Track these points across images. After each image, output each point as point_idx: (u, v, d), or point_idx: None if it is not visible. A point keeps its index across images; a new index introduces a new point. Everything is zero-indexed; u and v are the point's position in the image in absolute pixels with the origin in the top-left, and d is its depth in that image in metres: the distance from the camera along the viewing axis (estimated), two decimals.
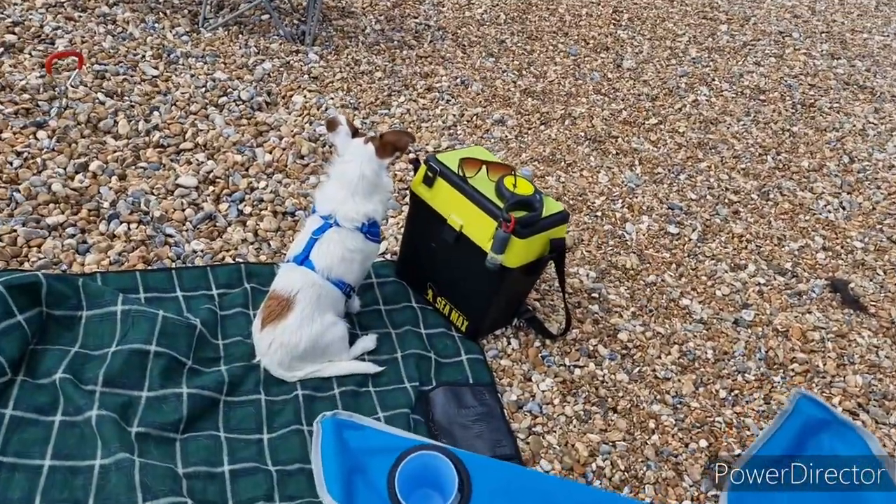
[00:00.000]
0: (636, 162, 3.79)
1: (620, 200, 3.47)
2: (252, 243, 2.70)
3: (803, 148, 4.23)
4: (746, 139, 4.21)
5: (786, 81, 4.98)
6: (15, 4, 3.53)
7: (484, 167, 2.39)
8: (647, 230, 3.31)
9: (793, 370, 2.70)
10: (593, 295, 2.86)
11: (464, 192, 2.35)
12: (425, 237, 2.51)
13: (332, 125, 2.25)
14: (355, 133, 2.27)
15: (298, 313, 2.15)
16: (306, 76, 3.79)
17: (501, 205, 2.28)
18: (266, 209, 2.85)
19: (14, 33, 3.34)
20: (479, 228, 2.32)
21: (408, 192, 3.14)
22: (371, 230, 2.28)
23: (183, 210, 2.73)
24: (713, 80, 4.82)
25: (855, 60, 5.55)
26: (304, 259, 2.21)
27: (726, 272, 3.14)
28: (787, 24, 5.99)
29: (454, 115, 3.80)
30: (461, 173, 2.36)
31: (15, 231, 2.40)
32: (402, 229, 2.91)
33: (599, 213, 3.35)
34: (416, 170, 2.51)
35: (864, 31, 6.15)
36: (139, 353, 2.05)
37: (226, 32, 3.94)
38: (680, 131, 4.15)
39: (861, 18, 6.47)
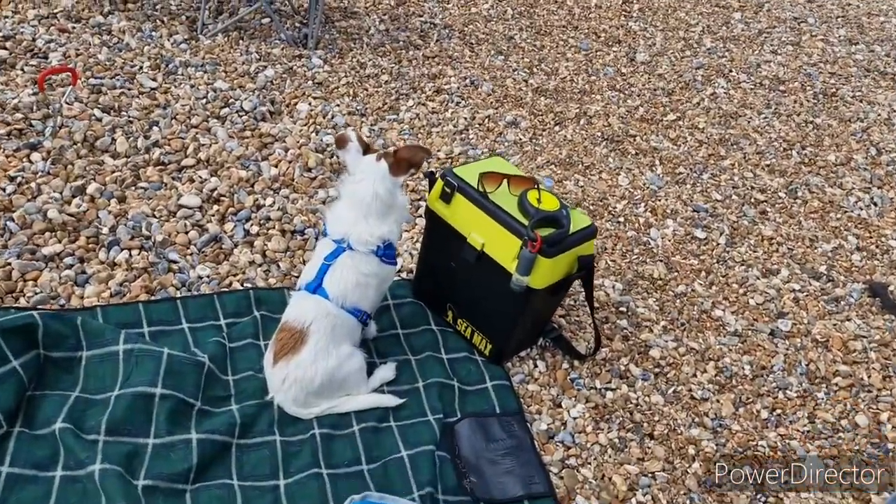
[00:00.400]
0: (657, 162, 3.63)
1: (643, 204, 3.31)
2: (260, 265, 2.56)
3: (828, 140, 4.06)
4: (769, 133, 4.04)
5: (805, 70, 4.80)
6: (5, 17, 3.38)
7: (505, 181, 2.23)
8: (672, 235, 3.15)
9: (836, 385, 2.55)
10: (621, 309, 2.71)
11: (484, 209, 2.20)
12: (444, 256, 2.36)
13: (341, 142, 2.10)
14: (367, 149, 2.12)
15: (313, 346, 2.00)
16: (310, 82, 3.64)
17: (525, 222, 2.13)
18: (274, 228, 2.70)
19: (5, 48, 3.20)
20: (502, 247, 2.17)
21: (421, 201, 3.00)
22: (387, 252, 2.13)
23: (186, 232, 2.59)
24: (730, 71, 4.65)
25: (874, 45, 5.37)
26: (316, 287, 2.06)
27: (758, 278, 2.98)
28: (802, 9, 5.81)
29: (465, 119, 3.65)
30: (481, 188, 2.21)
31: (9, 264, 2.26)
32: (417, 244, 2.77)
33: (622, 219, 3.20)
34: (431, 184, 2.36)
35: (880, 14, 5.96)
36: (144, 396, 1.91)
37: (225, 38, 3.79)
38: (700, 127, 3.99)
39: (876, 1, 6.27)
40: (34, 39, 3.30)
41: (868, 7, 6.05)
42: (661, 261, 2.99)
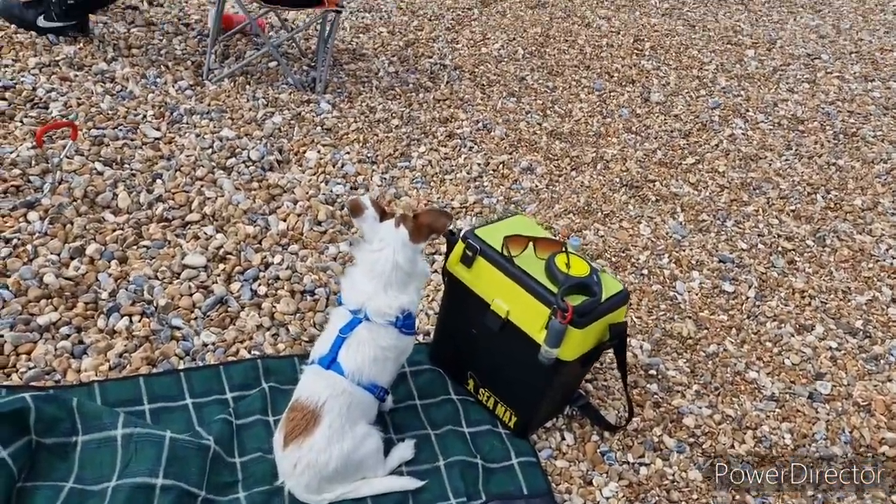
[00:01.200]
0: (678, 209, 3.49)
1: (666, 255, 3.17)
2: (269, 329, 2.42)
3: (853, 183, 3.94)
4: (792, 176, 3.91)
5: (823, 109, 4.69)
6: (5, 66, 3.27)
7: (531, 244, 2.10)
8: (699, 289, 3.01)
9: (884, 454, 2.39)
10: (650, 372, 2.56)
11: (510, 275, 2.05)
12: (464, 322, 2.21)
13: (356, 210, 1.96)
14: (383, 215, 1.98)
15: (326, 428, 1.85)
16: (319, 128, 3.52)
17: (554, 288, 1.99)
18: (283, 288, 2.56)
19: (4, 99, 3.08)
20: (528, 316, 2.02)
21: (437, 255, 2.86)
22: (406, 323, 1.98)
23: (191, 295, 2.45)
24: (747, 110, 4.54)
25: (889, 82, 5.28)
26: (330, 361, 1.92)
27: (792, 336, 2.83)
28: (815, 45, 5.72)
29: (479, 165, 3.52)
30: (506, 252, 2.07)
31: (1, 336, 2.12)
32: (433, 302, 2.63)
33: (645, 271, 3.05)
34: (450, 246, 2.22)
35: (893, 50, 5.87)
36: (144, 487, 1.75)
37: (232, 84, 3.68)
38: (720, 171, 3.87)
39: (888, 35, 6.19)
40: (34, 89, 3.18)
41: (880, 42, 5.97)
42: (690, 317, 2.84)
